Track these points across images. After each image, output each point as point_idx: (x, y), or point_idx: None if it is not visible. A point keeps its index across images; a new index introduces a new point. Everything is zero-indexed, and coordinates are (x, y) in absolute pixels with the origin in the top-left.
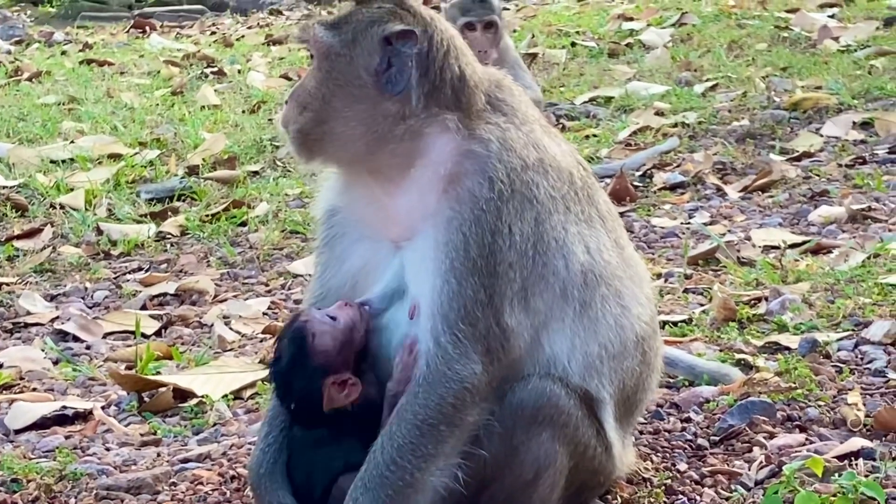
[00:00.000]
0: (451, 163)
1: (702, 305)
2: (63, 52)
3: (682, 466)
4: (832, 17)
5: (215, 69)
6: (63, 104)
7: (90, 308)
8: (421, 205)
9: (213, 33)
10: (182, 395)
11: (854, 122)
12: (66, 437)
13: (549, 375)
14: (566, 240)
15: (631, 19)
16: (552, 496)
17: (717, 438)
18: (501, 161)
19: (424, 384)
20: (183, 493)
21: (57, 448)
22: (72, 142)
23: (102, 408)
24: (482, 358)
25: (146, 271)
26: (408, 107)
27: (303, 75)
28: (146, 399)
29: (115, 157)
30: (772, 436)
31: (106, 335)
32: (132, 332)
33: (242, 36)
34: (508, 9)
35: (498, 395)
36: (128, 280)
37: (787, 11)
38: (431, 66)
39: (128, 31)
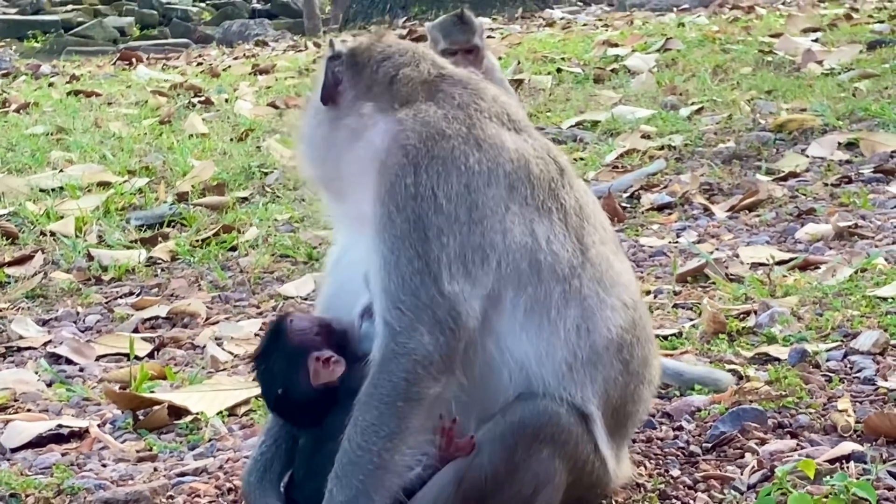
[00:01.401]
0: (374, 148)
1: (691, 320)
2: (50, 84)
3: (675, 472)
4: (816, 41)
5: (202, 98)
6: (51, 134)
7: (82, 332)
8: (366, 201)
9: (200, 64)
10: (177, 412)
11: (839, 143)
12: (63, 455)
13: (540, 394)
14: (506, 216)
15: (616, 45)
16: None
17: (709, 445)
18: (414, 130)
19: (376, 364)
20: None
21: (54, 465)
22: (61, 171)
23: (98, 426)
24: (430, 329)
25: (137, 295)
26: (342, 110)
27: (289, 103)
28: (141, 417)
29: (104, 185)
30: (763, 442)
31: (99, 358)
32: (125, 355)
33: (229, 66)
34: (493, 37)
35: (501, 410)
36: (119, 304)
37: (771, 36)
38: (365, 71)
39: (114, 63)
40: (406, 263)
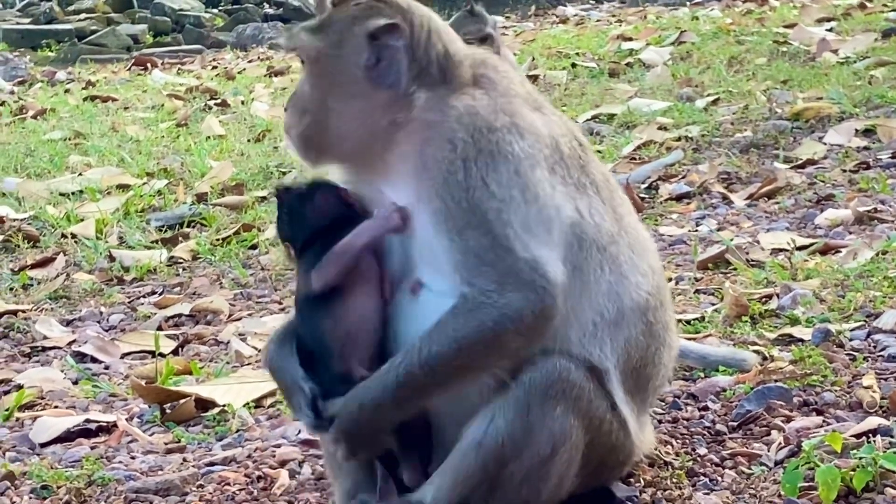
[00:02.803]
0: (422, 137)
1: (713, 304)
2: (66, 91)
3: (703, 451)
4: (830, 30)
5: (218, 101)
6: (69, 139)
7: (106, 331)
8: (409, 187)
9: (215, 67)
10: (203, 405)
11: (856, 130)
12: (92, 448)
13: (555, 351)
14: (553, 195)
15: (630, 39)
16: (569, 472)
17: (735, 424)
18: (461, 123)
19: (463, 309)
20: (211, 493)
21: (83, 458)
22: (80, 174)
23: (125, 420)
24: (519, 288)
25: (160, 294)
26: (396, 93)
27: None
28: (168, 410)
29: (123, 187)
30: (789, 419)
31: (123, 355)
32: (149, 352)
33: (244, 69)
34: (507, 34)
35: (512, 372)
36: (142, 303)
37: (785, 27)
38: (417, 50)
39: (129, 69)
40: (474, 244)
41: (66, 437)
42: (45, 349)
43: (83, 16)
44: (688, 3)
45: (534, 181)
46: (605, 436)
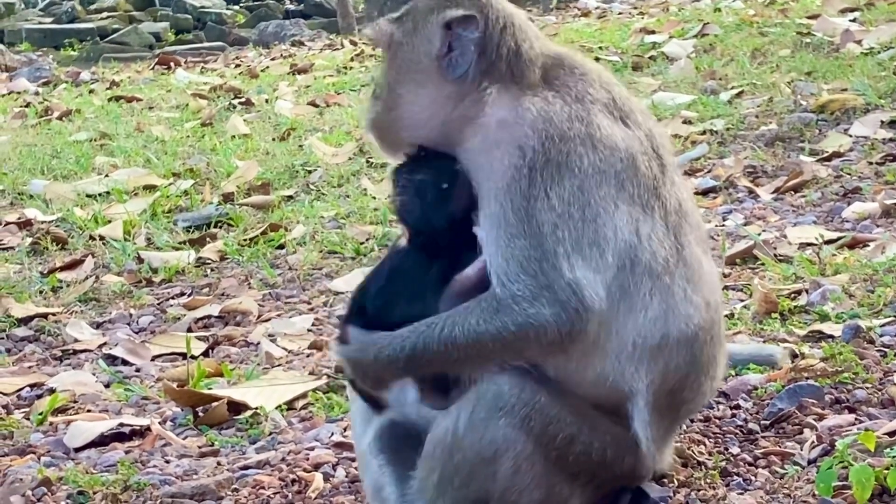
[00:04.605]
0: (492, 138)
1: (742, 301)
2: (91, 91)
3: (735, 450)
4: (854, 21)
5: (243, 100)
6: (95, 140)
7: (136, 333)
8: (473, 183)
9: (238, 66)
10: (236, 408)
11: (882, 121)
12: (126, 452)
13: (525, 371)
14: (615, 214)
15: (653, 32)
16: (521, 480)
17: (767, 422)
18: (535, 130)
19: (490, 306)
20: (245, 497)
21: (118, 462)
22: (106, 176)
23: (159, 423)
24: (551, 304)
25: (189, 296)
26: (465, 86)
27: (329, 101)
28: (200, 414)
29: (149, 188)
30: (821, 417)
31: (154, 358)
32: (180, 354)
33: (267, 67)
34: None
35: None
36: (171, 305)
37: (809, 18)
38: (489, 44)
39: (153, 68)
40: (520, 253)
41: (101, 442)
42: (76, 352)
43: (105, 14)
44: None
45: (597, 199)
46: (582, 455)
